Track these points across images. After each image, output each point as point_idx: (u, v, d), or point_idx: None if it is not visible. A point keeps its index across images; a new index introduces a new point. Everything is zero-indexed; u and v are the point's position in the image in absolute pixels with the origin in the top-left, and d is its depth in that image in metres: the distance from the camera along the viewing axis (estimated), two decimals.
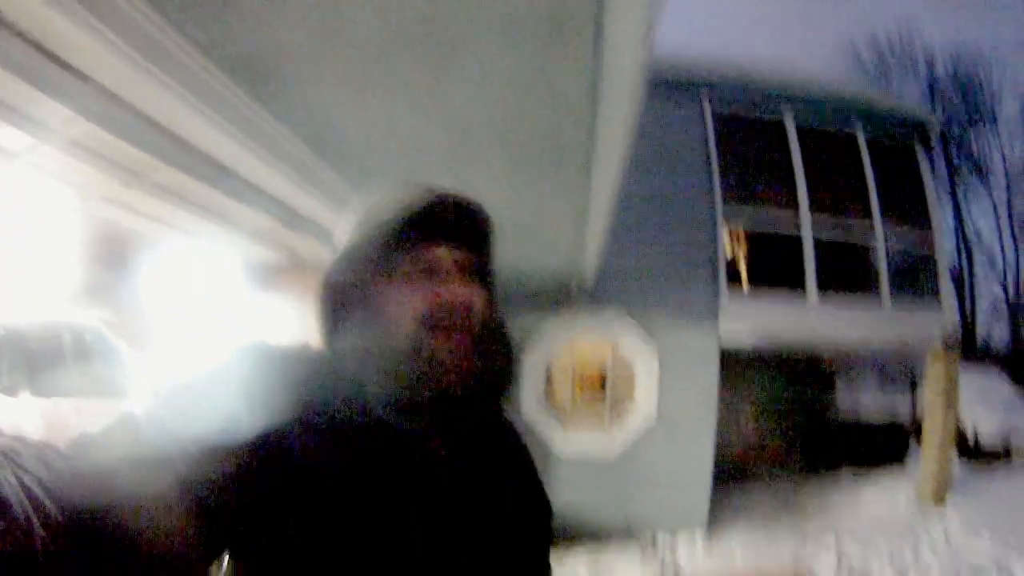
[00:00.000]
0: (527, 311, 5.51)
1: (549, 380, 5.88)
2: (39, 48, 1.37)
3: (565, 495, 5.59)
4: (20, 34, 1.32)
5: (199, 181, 2.42)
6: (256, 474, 0.62)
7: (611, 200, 2.45)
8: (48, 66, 1.43)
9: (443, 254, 0.74)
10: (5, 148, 2.09)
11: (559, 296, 5.10)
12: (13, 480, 0.49)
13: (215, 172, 2.30)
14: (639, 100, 1.51)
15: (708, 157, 6.00)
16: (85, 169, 2.57)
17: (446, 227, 0.75)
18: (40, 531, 0.47)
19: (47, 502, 0.49)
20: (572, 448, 5.76)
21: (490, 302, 0.78)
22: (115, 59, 1.35)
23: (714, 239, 5.84)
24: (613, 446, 5.74)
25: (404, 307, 0.72)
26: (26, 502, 0.48)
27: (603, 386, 5.90)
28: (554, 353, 5.87)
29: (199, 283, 3.65)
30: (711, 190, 5.92)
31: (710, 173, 5.96)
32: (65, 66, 1.46)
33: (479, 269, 0.77)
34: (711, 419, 5.73)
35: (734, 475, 7.81)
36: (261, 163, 2.06)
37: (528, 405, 5.74)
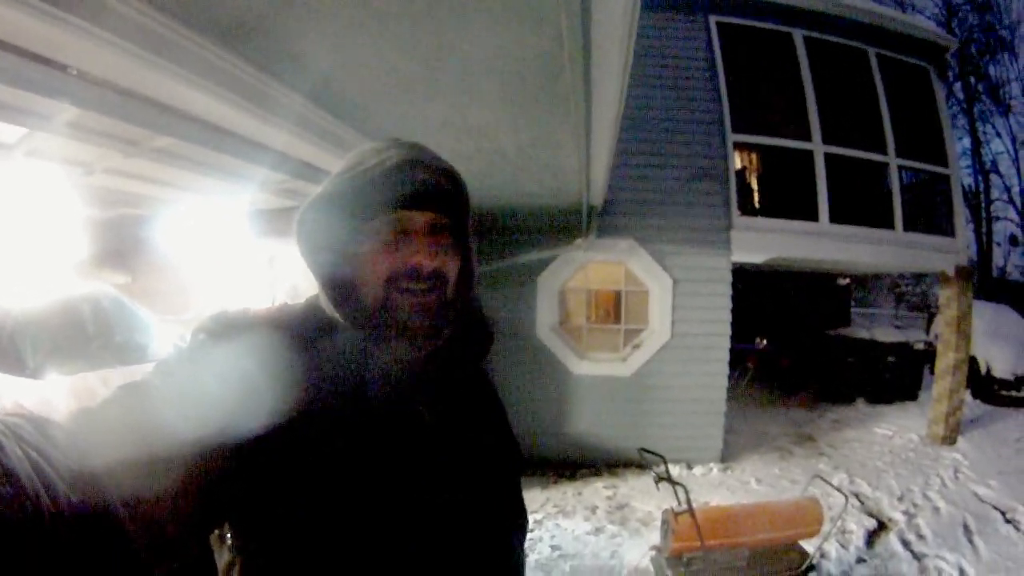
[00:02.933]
0: (539, 238, 5.54)
1: (563, 304, 5.92)
2: (15, 50, 1.36)
3: (582, 420, 5.79)
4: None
5: (199, 145, 2.42)
6: (247, 438, 0.64)
7: (614, 123, 2.42)
8: (28, 64, 1.43)
9: (414, 217, 0.75)
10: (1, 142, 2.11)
11: (570, 221, 5.06)
12: (20, 453, 0.49)
13: (213, 135, 2.30)
14: (634, 18, 1.48)
15: (716, 78, 5.83)
16: (83, 148, 2.57)
17: (418, 190, 0.75)
18: (47, 501, 0.48)
19: (52, 474, 0.50)
20: (587, 370, 5.84)
21: (463, 267, 0.80)
22: (93, 45, 1.35)
23: (724, 159, 5.74)
24: (627, 367, 5.80)
25: (375, 267, 0.74)
26: (33, 474, 0.49)
27: (617, 309, 5.91)
28: (568, 278, 5.89)
29: (210, 237, 3.67)
30: (720, 110, 5.78)
31: (718, 90, 5.81)
32: (45, 61, 1.46)
33: (452, 232, 0.78)
34: (725, 339, 5.75)
35: (748, 399, 7.92)
36: (257, 120, 2.05)
37: (543, 330, 5.82)
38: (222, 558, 0.76)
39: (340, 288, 0.76)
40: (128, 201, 3.65)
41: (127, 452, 0.57)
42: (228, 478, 0.64)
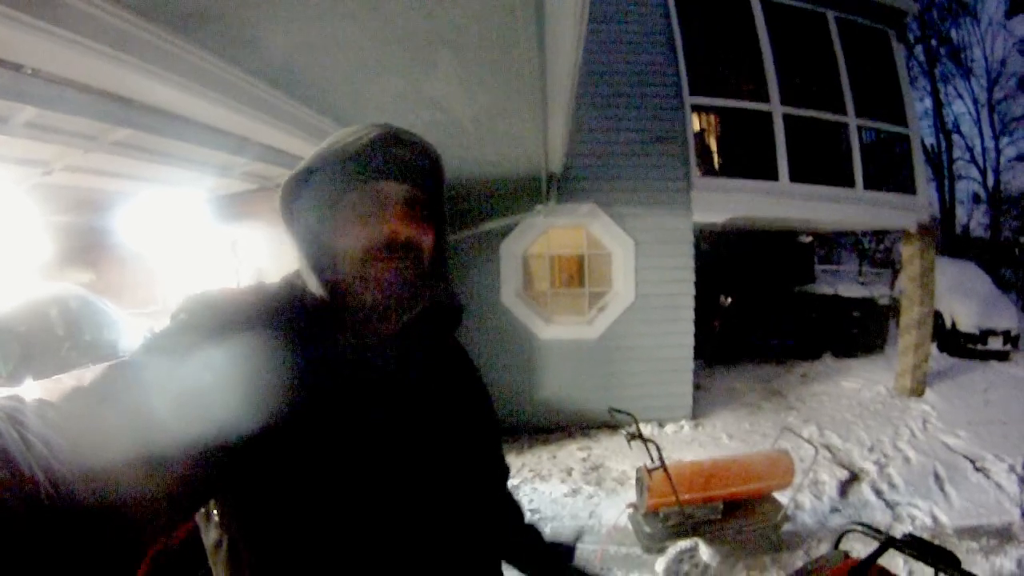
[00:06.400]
0: (500, 205, 5.55)
1: (527, 270, 5.97)
2: None
3: (552, 384, 5.87)
4: None
5: (158, 135, 2.38)
6: (232, 418, 0.65)
7: (569, 92, 2.44)
8: None
9: (391, 189, 0.78)
10: None
11: (530, 188, 5.08)
12: (16, 436, 0.49)
13: (173, 123, 2.26)
14: None
15: (672, 38, 5.86)
16: (41, 147, 2.51)
17: (394, 164, 0.78)
18: (47, 485, 0.48)
19: (50, 457, 0.50)
20: (554, 334, 5.91)
21: (437, 239, 0.83)
22: (49, 43, 1.32)
23: (682, 121, 5.78)
24: (593, 330, 5.88)
25: (352, 238, 0.76)
26: (30, 457, 0.49)
27: (581, 273, 5.98)
28: (530, 244, 5.93)
29: (172, 226, 3.60)
30: (677, 73, 5.82)
31: (675, 54, 5.84)
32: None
33: (426, 205, 0.81)
34: (689, 298, 5.85)
35: (716, 357, 8.06)
36: (218, 106, 2.03)
37: (508, 297, 5.87)
38: (209, 536, 0.77)
39: (319, 259, 0.78)
40: (89, 198, 3.56)
41: (117, 435, 0.57)
42: (215, 458, 0.65)
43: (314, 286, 0.78)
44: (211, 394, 0.64)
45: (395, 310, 0.79)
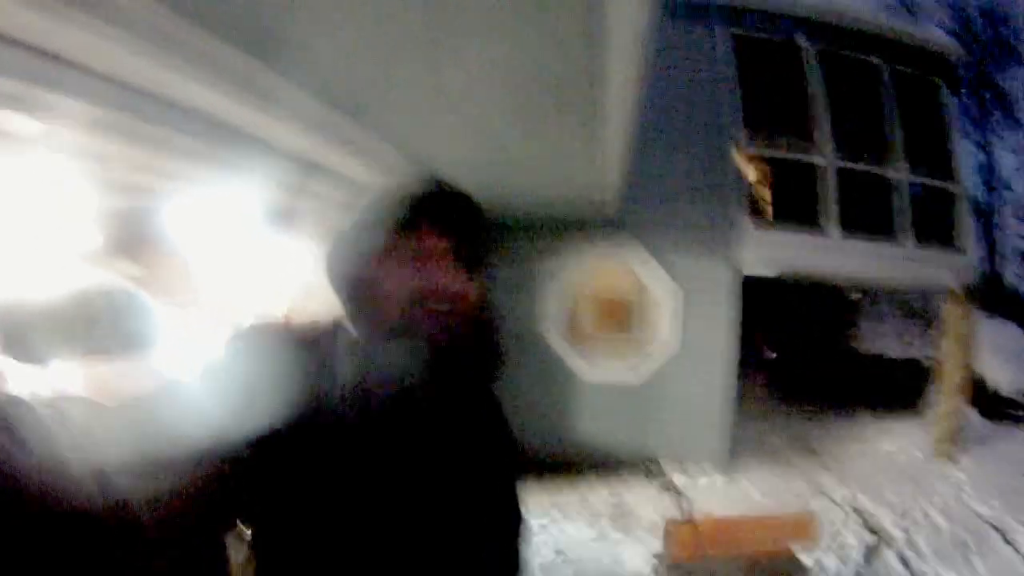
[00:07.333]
0: (550, 243, 5.58)
1: (573, 311, 5.94)
2: (40, 52, 1.40)
3: (587, 426, 5.80)
4: (16, 42, 1.35)
5: (213, 144, 2.48)
6: (269, 444, 0.69)
7: (625, 134, 2.46)
8: (52, 67, 1.47)
9: (434, 240, 0.80)
10: (18, 134, 2.16)
11: (581, 228, 5.06)
12: (68, 440, 0.53)
13: (228, 134, 2.35)
14: (645, 29, 1.50)
15: (728, 90, 5.85)
16: (100, 142, 2.63)
17: (437, 215, 0.80)
18: (97, 491, 0.52)
19: (98, 461, 0.54)
20: (595, 376, 5.85)
21: (479, 287, 0.84)
22: (113, 46, 1.39)
23: (735, 171, 5.75)
24: (635, 374, 5.82)
25: (398, 288, 0.78)
26: (83, 463, 0.52)
27: (626, 315, 5.93)
28: (577, 283, 5.91)
29: (221, 231, 3.70)
30: (732, 122, 5.80)
31: (731, 106, 5.83)
32: (68, 64, 1.50)
33: (469, 255, 0.82)
34: (732, 349, 5.76)
35: (754, 411, 7.88)
36: (271, 119, 2.10)
37: (551, 334, 5.84)
38: (239, 555, 0.79)
39: (365, 312, 0.80)
40: (142, 194, 3.69)
41: (160, 449, 0.61)
42: (246, 479, 0.68)
43: (357, 336, 0.81)
44: (255, 417, 0.67)
45: (442, 359, 0.80)
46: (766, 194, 6.01)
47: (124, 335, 1.21)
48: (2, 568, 0.47)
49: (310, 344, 0.80)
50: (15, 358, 0.91)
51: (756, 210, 5.90)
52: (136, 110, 1.95)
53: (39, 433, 0.53)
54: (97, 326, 1.16)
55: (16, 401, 0.56)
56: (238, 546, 0.82)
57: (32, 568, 0.49)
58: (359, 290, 0.81)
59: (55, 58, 1.46)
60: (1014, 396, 7.95)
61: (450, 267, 0.80)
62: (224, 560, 0.84)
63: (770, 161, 5.97)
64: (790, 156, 5.92)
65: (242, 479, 0.68)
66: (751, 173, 5.88)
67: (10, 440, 0.51)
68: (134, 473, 0.58)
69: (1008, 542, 4.39)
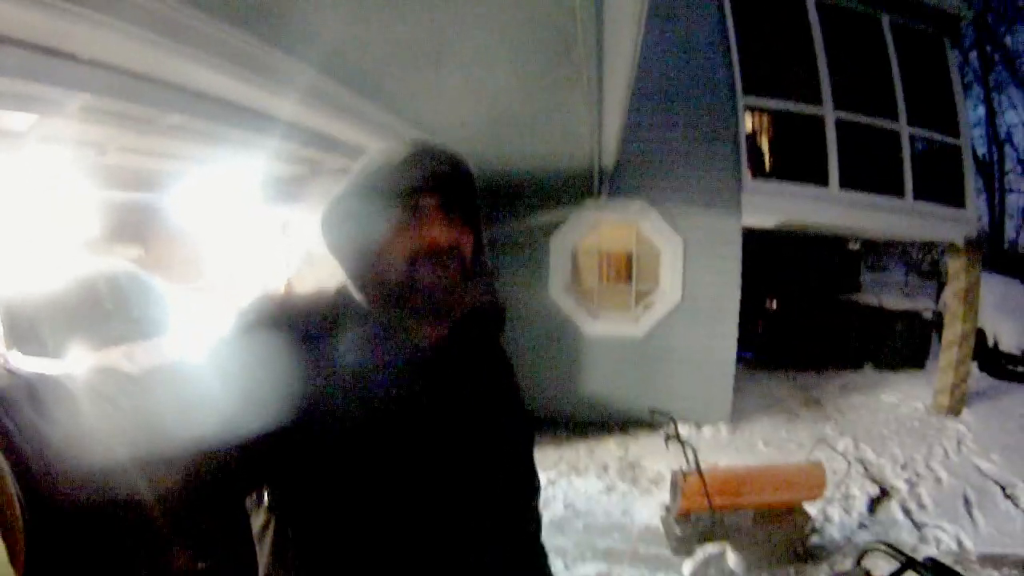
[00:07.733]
0: (551, 199, 5.58)
1: (576, 265, 6.00)
2: (23, 44, 1.37)
3: (594, 380, 5.91)
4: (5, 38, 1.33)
5: (210, 121, 2.45)
6: (284, 416, 0.70)
7: (625, 91, 2.45)
8: (37, 57, 1.44)
9: (428, 200, 0.82)
10: (10, 130, 2.13)
11: (582, 183, 5.09)
12: (98, 415, 0.54)
13: (225, 110, 2.32)
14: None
15: (727, 38, 5.79)
16: (96, 129, 2.60)
17: (429, 176, 0.82)
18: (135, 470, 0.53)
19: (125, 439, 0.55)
20: (599, 330, 5.94)
21: (475, 242, 0.87)
22: (102, 33, 1.37)
23: (735, 122, 5.72)
24: (639, 328, 5.88)
25: (395, 248, 0.81)
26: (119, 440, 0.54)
27: (629, 269, 5.96)
28: (580, 239, 5.95)
29: (223, 206, 3.69)
30: (731, 73, 5.75)
31: (729, 54, 5.77)
32: (54, 52, 1.47)
33: (463, 213, 0.85)
34: (735, 301, 5.79)
35: (757, 363, 7.96)
36: (268, 94, 2.08)
37: (556, 290, 5.91)
38: (258, 520, 0.82)
39: (366, 275, 0.83)
40: (140, 176, 3.66)
41: (179, 421, 0.62)
42: (264, 451, 0.70)
43: (361, 300, 0.83)
44: (269, 389, 0.69)
45: (444, 313, 0.83)
46: (766, 145, 5.97)
47: (130, 317, 1.20)
48: (32, 543, 0.48)
49: (317, 313, 0.82)
50: (25, 353, 0.92)
51: (757, 161, 5.88)
52: (133, 93, 1.92)
53: (69, 408, 0.54)
54: (102, 311, 1.15)
55: (43, 377, 0.57)
56: (256, 512, 0.84)
57: (62, 545, 0.50)
58: (359, 254, 0.83)
59: (49, 51, 1.44)
60: (1017, 352, 8.00)
61: (444, 224, 0.82)
62: (246, 527, 0.86)
63: (771, 112, 5.93)
64: (791, 108, 5.87)
65: (261, 448, 0.70)
66: (751, 124, 5.83)
67: (38, 415, 0.51)
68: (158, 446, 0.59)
69: (1008, 496, 4.46)
